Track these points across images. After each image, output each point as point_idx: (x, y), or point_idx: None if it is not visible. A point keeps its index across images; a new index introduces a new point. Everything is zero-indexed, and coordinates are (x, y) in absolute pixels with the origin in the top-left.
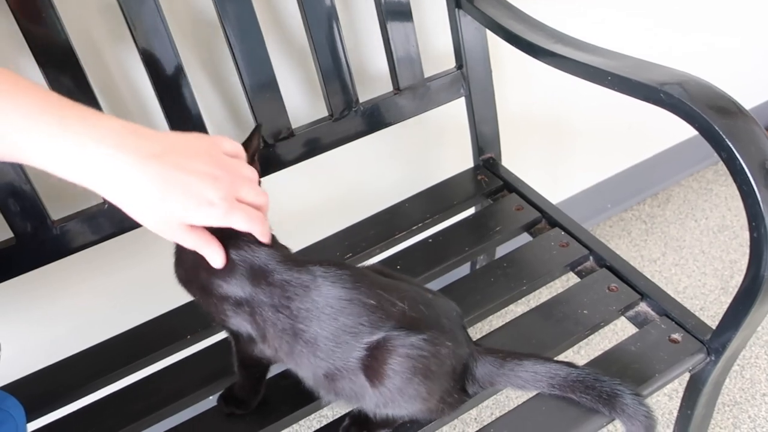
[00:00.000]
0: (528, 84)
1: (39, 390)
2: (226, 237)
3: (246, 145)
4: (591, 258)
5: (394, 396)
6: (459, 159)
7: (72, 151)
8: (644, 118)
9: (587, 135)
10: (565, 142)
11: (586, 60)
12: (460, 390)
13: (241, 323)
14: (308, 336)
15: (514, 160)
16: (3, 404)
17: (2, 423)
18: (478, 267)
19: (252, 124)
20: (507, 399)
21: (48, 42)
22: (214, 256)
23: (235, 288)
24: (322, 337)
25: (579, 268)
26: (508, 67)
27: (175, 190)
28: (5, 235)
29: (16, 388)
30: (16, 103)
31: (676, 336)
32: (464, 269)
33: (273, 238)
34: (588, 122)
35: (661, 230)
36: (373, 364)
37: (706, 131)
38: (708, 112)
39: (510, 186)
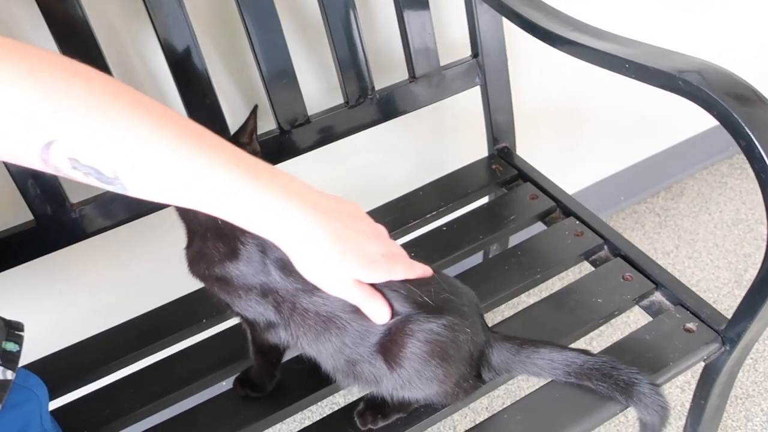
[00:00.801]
0: (542, 73)
1: (59, 370)
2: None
3: (244, 125)
4: (605, 247)
5: (412, 378)
6: (473, 148)
7: (261, 203)
8: (658, 110)
9: (601, 126)
10: (579, 133)
11: (603, 48)
12: (475, 376)
13: (264, 312)
14: (330, 317)
15: (527, 150)
16: (27, 383)
17: (26, 401)
18: (491, 256)
19: (268, 111)
20: (518, 389)
21: (70, 28)
22: (381, 309)
23: (264, 276)
24: (349, 322)
25: (593, 257)
26: (523, 55)
27: (351, 249)
28: (25, 218)
29: (37, 367)
30: (216, 154)
31: (690, 325)
32: (477, 258)
33: None
34: (602, 113)
35: (675, 223)
36: (391, 346)
37: (724, 119)
38: (727, 100)
39: (524, 175)
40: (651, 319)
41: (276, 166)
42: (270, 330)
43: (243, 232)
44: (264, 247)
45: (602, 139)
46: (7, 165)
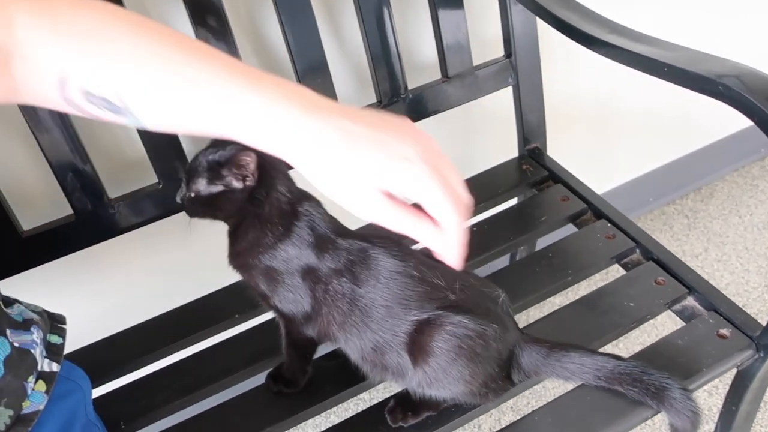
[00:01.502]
0: (572, 74)
1: (95, 361)
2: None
3: None
4: (637, 251)
5: (438, 375)
6: (502, 148)
7: (262, 109)
8: (689, 111)
9: (630, 127)
10: (608, 134)
11: (642, 51)
12: (505, 377)
13: (302, 299)
14: (364, 303)
15: (555, 151)
16: (71, 375)
17: (72, 392)
18: (518, 258)
19: None
20: (544, 389)
21: None
22: (425, 227)
23: (306, 257)
24: (377, 306)
25: (625, 260)
26: (553, 55)
27: (362, 141)
28: (65, 212)
29: (74, 358)
30: (215, 66)
31: (724, 331)
32: (503, 260)
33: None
34: (631, 114)
35: (704, 225)
36: (419, 340)
37: (764, 124)
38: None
39: (555, 176)
40: (683, 323)
41: None
42: (305, 322)
43: (296, 214)
44: (313, 225)
45: (631, 140)
46: (49, 160)
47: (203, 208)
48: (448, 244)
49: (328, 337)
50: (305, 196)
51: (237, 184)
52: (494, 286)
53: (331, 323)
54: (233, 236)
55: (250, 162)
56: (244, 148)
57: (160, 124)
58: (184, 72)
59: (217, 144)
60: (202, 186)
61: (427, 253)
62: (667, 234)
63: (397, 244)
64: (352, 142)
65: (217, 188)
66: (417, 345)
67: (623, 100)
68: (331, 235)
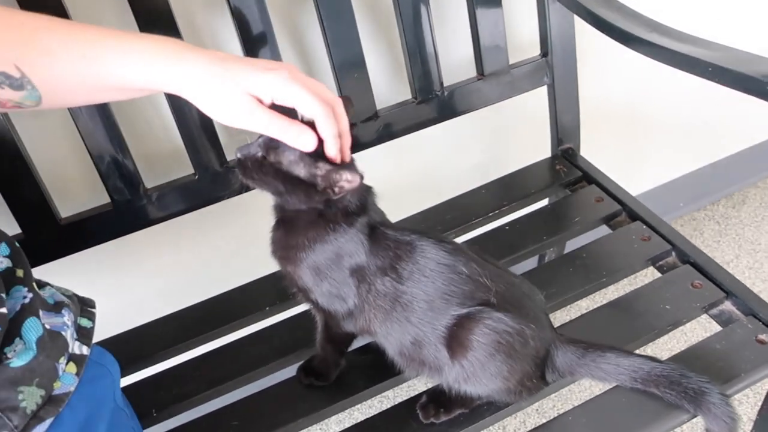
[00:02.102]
0: (606, 75)
1: (127, 349)
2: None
3: None
4: (673, 253)
5: (476, 371)
6: (535, 148)
7: (145, 50)
8: (723, 115)
9: (663, 130)
10: (640, 136)
11: (685, 51)
12: (540, 376)
13: (345, 295)
14: (406, 299)
15: (587, 152)
16: (101, 360)
17: (101, 377)
18: (546, 260)
19: None
20: (569, 392)
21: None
22: (304, 136)
23: (359, 254)
24: (419, 300)
25: (660, 263)
26: (588, 56)
27: (234, 61)
28: (102, 200)
29: (107, 345)
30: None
31: (763, 337)
32: (532, 262)
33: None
34: (665, 117)
35: (736, 232)
36: (458, 334)
37: None
38: None
39: (589, 177)
40: (719, 328)
41: None
42: (347, 318)
43: (360, 211)
44: (371, 219)
45: (664, 144)
46: (88, 148)
47: (270, 178)
48: (327, 136)
49: (368, 332)
50: (366, 190)
51: (322, 186)
52: (531, 284)
53: (374, 320)
54: (286, 226)
55: (351, 184)
56: (349, 165)
57: (56, 89)
58: (77, 34)
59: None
60: (291, 161)
61: (468, 249)
62: (697, 240)
63: (445, 238)
64: (225, 63)
65: (304, 174)
66: (456, 339)
67: (655, 102)
68: (381, 226)
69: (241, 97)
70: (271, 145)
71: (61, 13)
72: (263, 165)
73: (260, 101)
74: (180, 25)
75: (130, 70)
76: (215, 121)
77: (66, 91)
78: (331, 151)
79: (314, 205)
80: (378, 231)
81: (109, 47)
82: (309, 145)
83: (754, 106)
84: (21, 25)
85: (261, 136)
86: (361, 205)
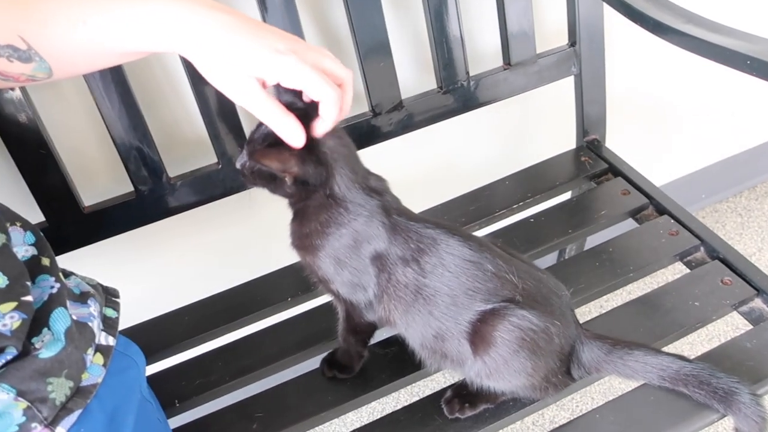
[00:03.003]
0: (631, 65)
1: (150, 338)
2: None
3: None
4: (702, 249)
5: (499, 367)
6: (559, 139)
7: (151, 9)
8: (747, 107)
9: (687, 121)
10: (664, 128)
11: (723, 43)
12: (565, 372)
13: (366, 284)
14: (428, 292)
15: (611, 143)
16: (127, 350)
17: (128, 368)
18: (567, 256)
19: (362, 94)
20: (592, 389)
21: None
22: (294, 130)
23: (377, 240)
24: (442, 295)
25: (689, 258)
26: (615, 46)
27: (243, 32)
28: (126, 189)
29: (129, 334)
30: None
31: None
32: (551, 258)
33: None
34: (689, 108)
35: (758, 225)
36: (481, 330)
37: None
38: None
39: (615, 169)
40: (750, 326)
41: (365, 149)
42: (368, 308)
43: (368, 192)
44: (385, 205)
45: (687, 135)
46: (112, 137)
47: (262, 181)
48: (327, 116)
49: (389, 323)
50: (372, 175)
51: (281, 174)
52: (556, 279)
53: (394, 311)
54: (300, 216)
55: (273, 162)
56: (273, 144)
57: (61, 58)
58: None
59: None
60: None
61: (493, 242)
62: (719, 232)
63: (470, 235)
64: (232, 33)
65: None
66: (479, 334)
67: (680, 93)
68: (402, 218)
69: (245, 79)
70: (251, 149)
71: None
72: (253, 171)
73: (263, 83)
74: None
75: (134, 35)
76: (239, 110)
77: (71, 59)
78: (320, 132)
79: (303, 188)
80: (397, 219)
81: (110, 11)
82: (298, 142)
83: None
84: None
85: (246, 143)
86: (363, 183)
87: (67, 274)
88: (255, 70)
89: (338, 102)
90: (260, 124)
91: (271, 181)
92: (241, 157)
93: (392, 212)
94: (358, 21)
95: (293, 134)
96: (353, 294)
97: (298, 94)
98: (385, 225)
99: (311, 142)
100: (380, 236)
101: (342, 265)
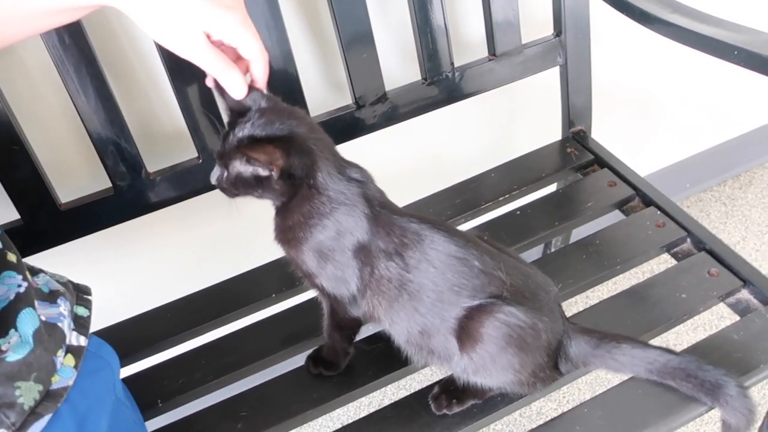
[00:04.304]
0: (616, 56)
1: (129, 338)
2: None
3: None
4: (688, 240)
5: (486, 363)
6: (545, 130)
7: None
8: (730, 96)
9: (671, 111)
10: (648, 118)
11: (710, 33)
12: (553, 367)
13: (349, 279)
14: (413, 288)
15: (596, 133)
16: (100, 351)
17: (100, 370)
18: (554, 248)
19: (345, 86)
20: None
21: None
22: (236, 80)
23: (360, 231)
24: (427, 290)
25: (675, 249)
26: (596, 37)
27: None
28: (104, 185)
29: (107, 334)
30: None
31: None
32: (537, 251)
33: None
34: (674, 99)
35: (742, 213)
36: (468, 326)
37: None
38: None
39: (601, 161)
40: (737, 317)
41: (349, 142)
42: (351, 303)
43: (349, 182)
44: (367, 195)
45: (671, 125)
46: (90, 133)
47: (245, 188)
48: (260, 76)
49: (373, 318)
50: (352, 165)
51: (264, 172)
52: (543, 274)
53: (378, 306)
54: (283, 210)
55: (260, 155)
56: (255, 139)
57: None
58: None
59: (244, 115)
60: (243, 167)
61: (479, 236)
62: (704, 221)
63: (456, 230)
64: None
65: (250, 172)
66: (466, 331)
67: (664, 83)
68: (385, 210)
69: (193, 32)
70: (225, 159)
71: None
72: (234, 181)
73: (208, 36)
74: None
75: None
76: (218, 104)
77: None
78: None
79: (282, 193)
80: (380, 211)
81: None
82: (240, 92)
83: (762, 86)
84: None
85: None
86: (344, 173)
87: (36, 272)
88: (202, 23)
89: (267, 65)
90: (225, 137)
91: (256, 185)
92: (215, 172)
93: (375, 203)
94: (340, 10)
95: (237, 84)
96: (337, 288)
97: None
98: (367, 215)
99: (290, 135)
100: (362, 227)
101: (325, 259)
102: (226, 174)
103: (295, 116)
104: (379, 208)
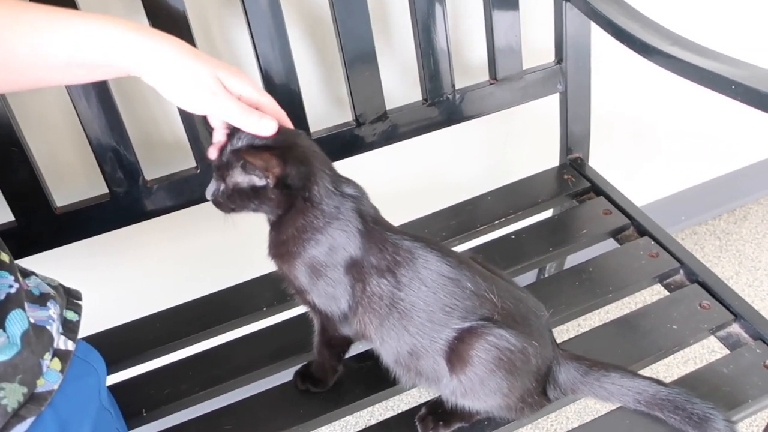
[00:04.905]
0: (614, 85)
1: (117, 345)
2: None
3: None
4: (681, 272)
5: (475, 386)
6: (542, 156)
7: (108, 31)
8: (728, 131)
9: (669, 143)
10: (645, 149)
11: (708, 66)
12: (541, 393)
13: (341, 296)
14: (404, 306)
15: (592, 161)
16: (87, 357)
17: (86, 376)
18: (547, 274)
19: (346, 103)
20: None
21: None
22: (264, 120)
23: (352, 247)
24: (418, 310)
25: (668, 280)
26: (599, 66)
27: (191, 51)
28: (101, 191)
29: (95, 341)
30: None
31: None
32: (530, 276)
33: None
34: (672, 131)
35: (736, 248)
36: (458, 348)
37: None
38: None
39: (597, 188)
40: (727, 351)
41: (348, 159)
42: (343, 321)
43: (343, 196)
44: (361, 211)
45: (668, 157)
46: (89, 138)
47: (241, 200)
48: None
49: (364, 337)
50: (347, 181)
51: (260, 182)
52: (535, 299)
53: (368, 324)
54: (278, 225)
55: (257, 160)
56: (253, 147)
57: (6, 65)
58: (26, 7)
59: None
60: (240, 177)
61: (473, 258)
62: (698, 254)
63: (450, 250)
64: (191, 52)
65: (247, 182)
66: (455, 353)
67: (662, 115)
68: (379, 227)
69: (209, 78)
70: (222, 173)
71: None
72: (231, 194)
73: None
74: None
75: (85, 38)
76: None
77: (18, 69)
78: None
79: (278, 204)
80: (373, 227)
81: (61, 17)
82: (271, 128)
83: (759, 121)
84: None
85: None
86: (338, 187)
87: (27, 274)
88: (215, 69)
89: (255, 126)
90: (222, 149)
91: (252, 196)
92: (211, 186)
93: (368, 219)
94: (344, 28)
95: (265, 121)
96: (329, 306)
97: None
98: (361, 231)
99: (288, 145)
100: (355, 242)
101: (318, 275)
102: (222, 186)
103: (293, 132)
104: (372, 224)
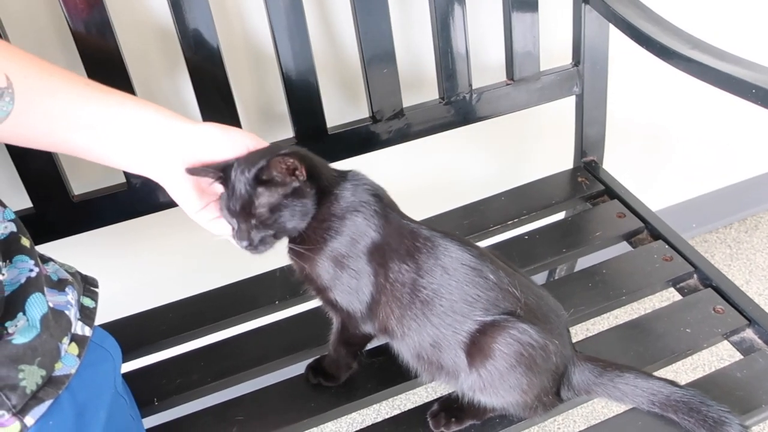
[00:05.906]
0: (630, 89)
1: (131, 334)
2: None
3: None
4: (695, 276)
5: (494, 381)
6: (557, 158)
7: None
8: (744, 139)
9: (682, 150)
10: (659, 154)
11: (728, 70)
12: (555, 392)
13: (364, 287)
14: (426, 294)
15: (606, 164)
16: (104, 343)
17: (103, 362)
18: (557, 276)
19: (363, 99)
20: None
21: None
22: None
23: (372, 230)
24: (440, 298)
25: (681, 284)
26: (615, 69)
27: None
28: (118, 180)
29: (110, 329)
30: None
31: None
32: (541, 277)
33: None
34: (686, 137)
35: (747, 257)
36: (480, 341)
37: None
38: None
39: (611, 192)
40: (740, 355)
41: (362, 156)
42: (365, 317)
43: (355, 184)
44: (376, 192)
45: (681, 163)
46: None
47: (285, 216)
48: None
49: (386, 331)
50: (349, 171)
51: (293, 184)
52: (554, 298)
53: (391, 315)
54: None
55: (293, 161)
56: (276, 154)
57: (28, 114)
58: (66, 80)
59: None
60: (269, 196)
61: (494, 254)
62: None
63: (470, 242)
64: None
65: (275, 198)
66: (477, 346)
67: (678, 122)
68: (394, 213)
69: (205, 202)
70: (244, 215)
71: None
72: (264, 222)
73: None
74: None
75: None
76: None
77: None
78: None
79: (311, 205)
80: (391, 214)
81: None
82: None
83: None
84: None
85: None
86: (346, 178)
87: (46, 260)
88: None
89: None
90: (230, 196)
91: (290, 204)
92: (239, 233)
93: (384, 200)
94: (364, 26)
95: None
96: (351, 303)
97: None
98: (378, 213)
99: (290, 150)
100: (374, 223)
101: (341, 267)
102: (253, 222)
103: (270, 145)
104: (392, 212)
